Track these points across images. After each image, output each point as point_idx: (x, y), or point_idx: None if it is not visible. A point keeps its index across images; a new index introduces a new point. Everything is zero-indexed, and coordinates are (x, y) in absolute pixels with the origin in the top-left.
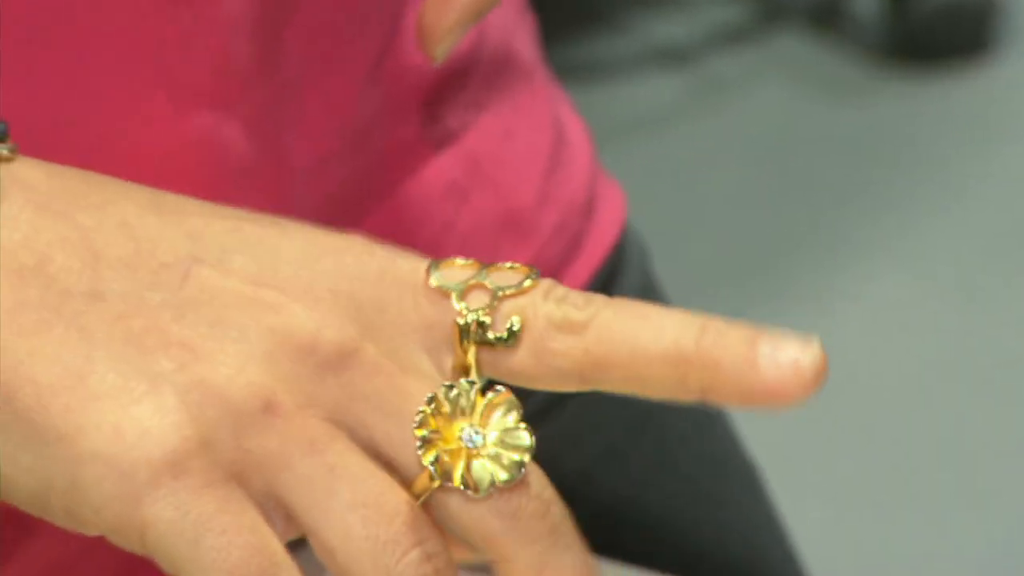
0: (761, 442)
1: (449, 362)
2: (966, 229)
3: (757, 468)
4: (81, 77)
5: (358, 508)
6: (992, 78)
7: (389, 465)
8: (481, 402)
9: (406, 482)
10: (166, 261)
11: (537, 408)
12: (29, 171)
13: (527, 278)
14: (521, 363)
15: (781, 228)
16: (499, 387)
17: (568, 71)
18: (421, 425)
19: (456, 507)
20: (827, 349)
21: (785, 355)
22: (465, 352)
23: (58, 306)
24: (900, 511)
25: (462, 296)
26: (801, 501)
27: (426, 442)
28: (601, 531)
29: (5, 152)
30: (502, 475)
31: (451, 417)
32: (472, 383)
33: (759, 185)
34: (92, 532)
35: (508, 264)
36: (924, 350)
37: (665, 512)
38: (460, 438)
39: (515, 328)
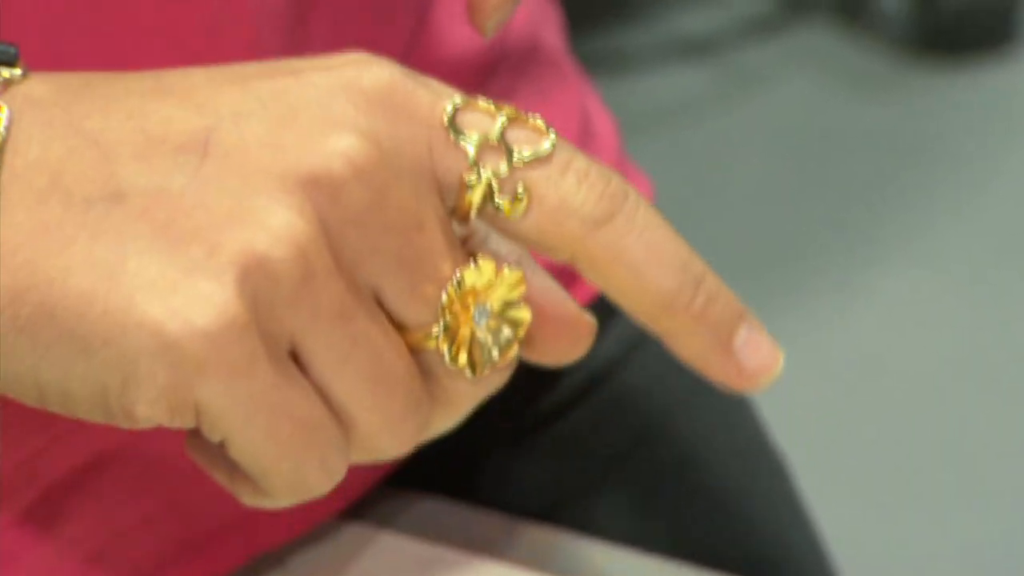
0: (775, 433)
1: (452, 204)
2: (987, 226)
3: (784, 458)
4: (106, 65)
5: (370, 381)
6: (1017, 73)
7: (390, 314)
8: (496, 279)
9: (403, 327)
10: (180, 142)
11: (569, 394)
12: (38, 87)
13: (546, 139)
14: (521, 229)
15: (803, 221)
16: (513, 265)
17: (593, 62)
18: (445, 310)
19: (444, 375)
20: (845, 343)
21: (754, 358)
22: (469, 207)
23: (81, 217)
24: (914, 504)
25: (477, 154)
26: (815, 494)
27: (446, 328)
28: (630, 519)
29: (17, 75)
30: (495, 356)
31: (468, 295)
32: (492, 261)
33: (782, 178)
34: (151, 425)
35: (530, 116)
36: (942, 346)
37: (693, 502)
38: (472, 318)
39: (524, 202)
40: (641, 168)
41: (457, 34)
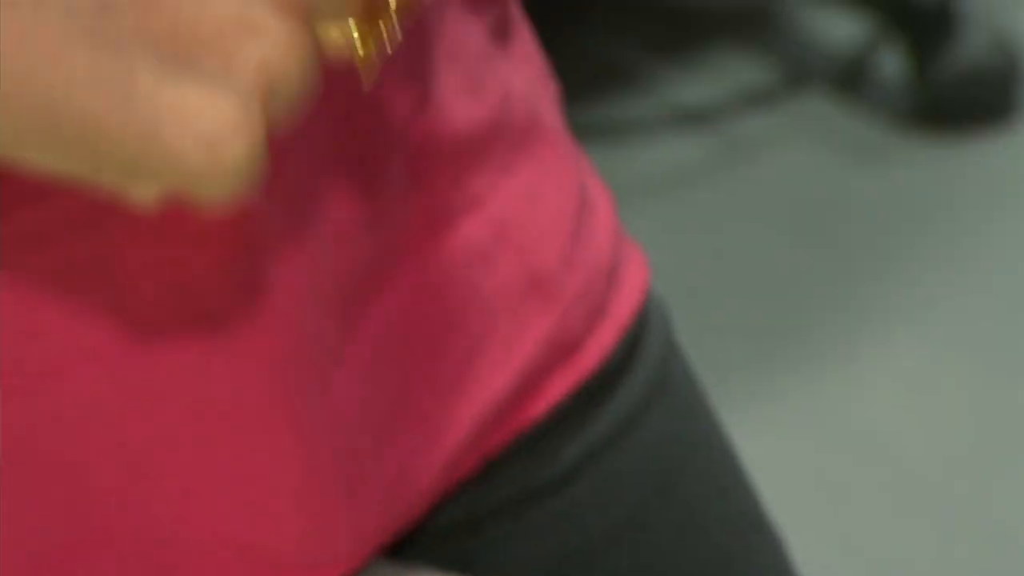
0: (778, 507)
1: None
2: (988, 296)
3: (778, 530)
4: None
5: None
6: (1016, 144)
7: None
8: None
9: None
10: None
11: (563, 472)
12: None
13: None
14: None
15: (802, 292)
16: None
17: (591, 131)
18: None
19: None
20: (847, 414)
21: None
22: None
23: (65, 26)
24: (919, 574)
25: None
26: (820, 568)
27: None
28: None
29: None
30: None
31: None
32: None
33: (781, 249)
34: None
35: None
36: (946, 418)
37: None
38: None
39: None
40: (639, 238)
41: (458, 108)
